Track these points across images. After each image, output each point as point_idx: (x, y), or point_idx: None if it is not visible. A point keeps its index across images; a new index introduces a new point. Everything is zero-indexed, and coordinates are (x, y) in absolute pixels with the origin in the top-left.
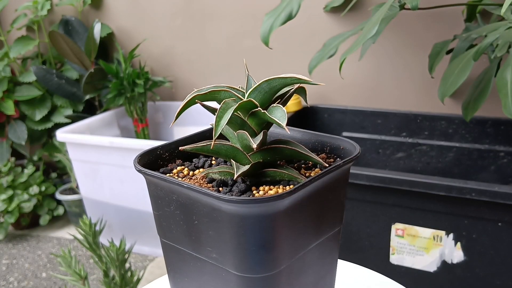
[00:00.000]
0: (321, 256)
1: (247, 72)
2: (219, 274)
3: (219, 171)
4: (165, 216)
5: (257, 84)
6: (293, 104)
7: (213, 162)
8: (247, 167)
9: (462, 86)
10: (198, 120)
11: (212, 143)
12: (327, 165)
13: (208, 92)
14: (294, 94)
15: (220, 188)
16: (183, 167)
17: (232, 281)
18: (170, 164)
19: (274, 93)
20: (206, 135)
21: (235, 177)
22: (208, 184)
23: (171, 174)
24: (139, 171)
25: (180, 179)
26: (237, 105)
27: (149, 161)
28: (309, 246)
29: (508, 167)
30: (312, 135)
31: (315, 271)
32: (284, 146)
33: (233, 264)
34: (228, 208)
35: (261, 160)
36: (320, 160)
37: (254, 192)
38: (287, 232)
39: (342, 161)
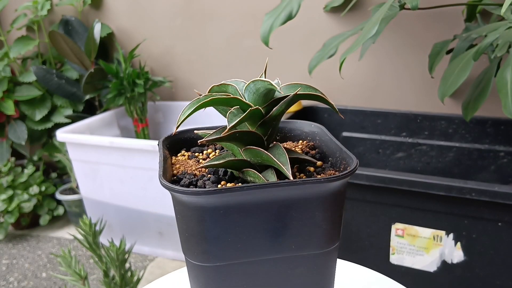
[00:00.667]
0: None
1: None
2: (294, 262)
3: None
4: (215, 235)
5: (246, 83)
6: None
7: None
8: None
9: (462, 86)
10: (198, 120)
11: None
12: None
13: (208, 100)
14: None
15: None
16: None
17: (310, 260)
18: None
19: (262, 95)
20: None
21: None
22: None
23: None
24: (218, 192)
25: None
26: (241, 117)
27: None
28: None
29: (508, 167)
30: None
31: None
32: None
33: (318, 243)
34: (324, 189)
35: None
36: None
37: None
38: (342, 208)
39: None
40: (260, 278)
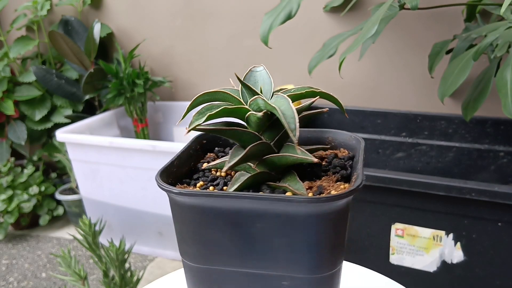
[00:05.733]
0: None
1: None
2: (278, 284)
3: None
4: (206, 240)
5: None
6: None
7: (217, 173)
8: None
9: (462, 86)
10: None
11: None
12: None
13: (217, 111)
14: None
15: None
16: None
17: (298, 285)
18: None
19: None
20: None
21: (224, 169)
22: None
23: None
24: (187, 194)
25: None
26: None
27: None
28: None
29: (508, 167)
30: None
31: None
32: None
33: (306, 266)
34: (307, 210)
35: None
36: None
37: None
38: (344, 230)
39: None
40: None
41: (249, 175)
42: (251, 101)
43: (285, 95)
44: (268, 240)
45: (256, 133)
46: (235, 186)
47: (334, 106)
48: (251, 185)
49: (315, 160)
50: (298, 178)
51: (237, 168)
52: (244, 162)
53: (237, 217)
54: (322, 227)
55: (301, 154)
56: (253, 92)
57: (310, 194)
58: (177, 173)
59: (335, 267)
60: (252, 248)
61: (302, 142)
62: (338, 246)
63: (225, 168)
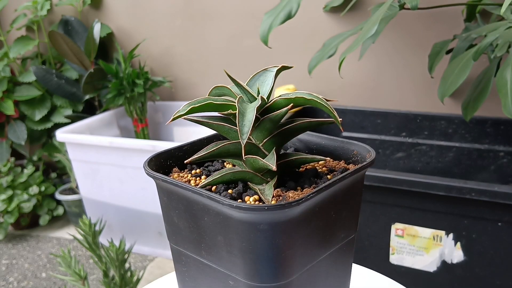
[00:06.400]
0: (334, 265)
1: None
2: (226, 281)
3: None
4: (173, 221)
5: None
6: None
7: (226, 165)
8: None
9: (461, 86)
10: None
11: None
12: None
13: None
14: (294, 90)
15: (230, 191)
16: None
17: None
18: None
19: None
20: (212, 140)
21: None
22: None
23: (180, 177)
24: (149, 174)
25: (193, 182)
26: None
27: (160, 164)
28: (322, 255)
29: (508, 167)
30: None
31: (328, 280)
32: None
33: (242, 271)
34: (237, 215)
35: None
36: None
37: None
38: (300, 240)
39: (355, 168)
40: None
41: (231, 171)
42: (238, 100)
43: (277, 98)
44: (214, 236)
45: (257, 144)
46: (210, 180)
47: (334, 106)
48: (230, 181)
49: (273, 167)
50: (273, 185)
51: (235, 162)
52: (211, 158)
53: (191, 206)
54: (253, 236)
55: (265, 160)
56: (245, 91)
57: (273, 202)
58: (181, 158)
59: (278, 281)
60: (203, 240)
61: (328, 151)
62: (280, 259)
63: (190, 159)
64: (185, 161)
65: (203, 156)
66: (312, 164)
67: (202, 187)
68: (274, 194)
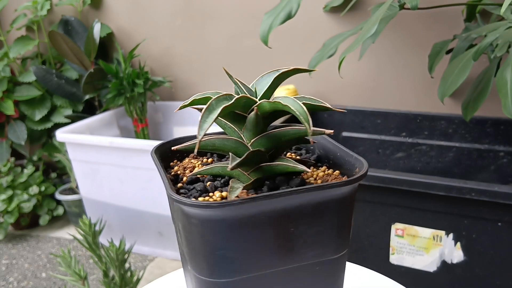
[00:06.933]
0: (299, 283)
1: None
2: (192, 274)
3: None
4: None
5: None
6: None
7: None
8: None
9: (462, 86)
10: (198, 119)
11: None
12: (308, 169)
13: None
14: (294, 90)
15: (208, 183)
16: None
17: (195, 282)
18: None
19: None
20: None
21: (229, 168)
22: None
23: (190, 162)
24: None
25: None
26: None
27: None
28: (275, 268)
29: (508, 167)
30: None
31: None
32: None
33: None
34: (189, 211)
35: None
36: (304, 168)
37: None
38: (238, 244)
39: (318, 184)
40: None
41: (220, 165)
42: (235, 100)
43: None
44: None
45: (246, 143)
46: (201, 169)
47: (334, 105)
48: (219, 175)
49: (229, 167)
50: (246, 186)
51: (233, 174)
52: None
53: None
54: (189, 229)
55: (293, 164)
56: (241, 89)
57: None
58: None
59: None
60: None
61: (340, 163)
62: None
63: (229, 167)
64: (172, 148)
65: (189, 146)
66: (307, 173)
67: (193, 174)
68: (239, 195)
